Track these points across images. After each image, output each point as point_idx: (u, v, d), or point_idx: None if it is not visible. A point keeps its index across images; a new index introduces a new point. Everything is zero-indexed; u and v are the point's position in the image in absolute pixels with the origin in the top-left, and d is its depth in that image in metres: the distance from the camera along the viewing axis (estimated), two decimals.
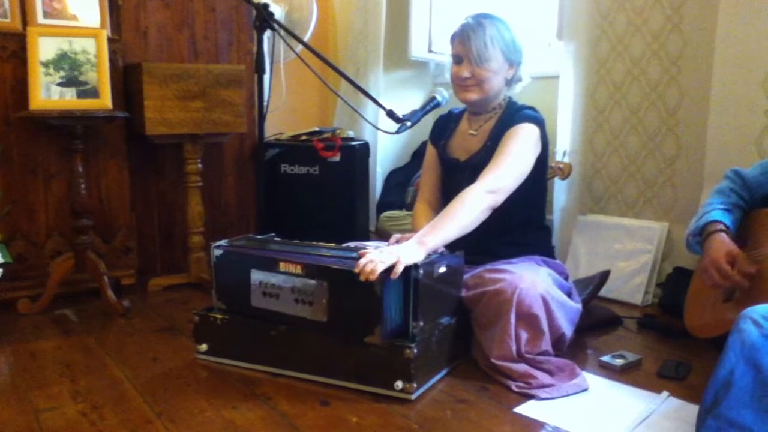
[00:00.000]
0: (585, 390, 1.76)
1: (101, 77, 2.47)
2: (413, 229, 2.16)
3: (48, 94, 2.39)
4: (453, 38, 2.08)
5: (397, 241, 1.93)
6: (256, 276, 1.88)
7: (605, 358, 1.95)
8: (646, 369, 1.93)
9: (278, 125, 3.48)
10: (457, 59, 2.06)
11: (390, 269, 1.67)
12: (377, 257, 1.68)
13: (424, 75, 3.88)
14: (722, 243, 1.72)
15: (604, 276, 2.38)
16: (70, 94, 2.43)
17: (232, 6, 3.09)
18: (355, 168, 3.24)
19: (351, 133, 3.40)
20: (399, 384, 1.69)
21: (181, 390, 1.78)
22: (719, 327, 1.79)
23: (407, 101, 3.63)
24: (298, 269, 1.81)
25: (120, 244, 2.79)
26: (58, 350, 2.09)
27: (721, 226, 1.77)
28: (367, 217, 3.47)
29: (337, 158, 3.17)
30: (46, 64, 2.40)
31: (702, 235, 1.80)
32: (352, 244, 2.06)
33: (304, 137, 3.26)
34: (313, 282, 1.78)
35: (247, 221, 3.26)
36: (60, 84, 2.41)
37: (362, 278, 1.65)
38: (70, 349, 2.10)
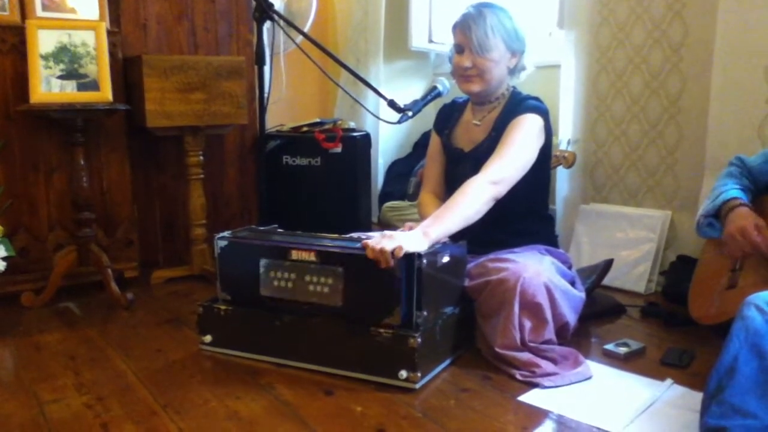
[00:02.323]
0: (589, 378, 1.76)
1: (101, 70, 2.46)
2: (421, 219, 2.16)
3: (48, 87, 2.39)
4: (454, 28, 2.07)
5: (410, 229, 1.93)
6: (266, 265, 1.88)
7: (609, 347, 1.95)
8: (650, 357, 1.93)
9: (279, 117, 3.47)
10: (459, 49, 2.06)
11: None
12: (381, 242, 1.68)
13: (425, 65, 3.86)
14: (749, 214, 1.74)
15: (608, 265, 2.38)
16: (70, 87, 2.42)
17: None
18: (356, 159, 3.24)
19: (352, 124, 3.39)
20: (403, 373, 1.69)
21: (185, 381, 1.79)
22: (723, 314, 1.80)
23: (408, 92, 3.62)
24: (312, 256, 1.81)
25: (122, 237, 2.79)
26: (62, 343, 2.10)
27: (743, 201, 1.79)
28: (369, 207, 3.47)
29: (338, 149, 3.16)
30: (45, 57, 2.39)
31: (722, 211, 1.81)
32: (354, 235, 2.06)
33: (305, 128, 3.25)
34: (328, 268, 1.79)
35: (249, 213, 3.25)
36: (60, 77, 2.40)
37: (383, 266, 1.67)
38: (74, 342, 2.10)
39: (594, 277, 2.32)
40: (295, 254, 1.84)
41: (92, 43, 2.46)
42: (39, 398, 1.69)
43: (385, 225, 3.21)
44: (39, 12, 2.50)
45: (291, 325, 1.85)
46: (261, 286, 1.90)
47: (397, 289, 1.71)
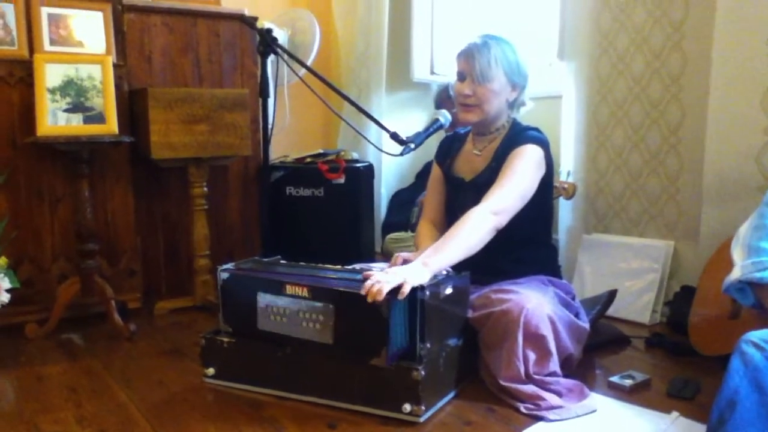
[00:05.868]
0: (594, 411, 1.75)
1: (107, 102, 2.49)
2: (416, 248, 2.16)
3: (55, 120, 2.41)
4: (459, 56, 2.10)
5: (404, 261, 1.92)
6: (263, 298, 1.88)
7: (614, 379, 1.94)
8: (655, 388, 1.92)
9: (283, 148, 3.50)
10: (461, 76, 2.09)
11: (396, 290, 1.66)
12: (383, 278, 1.68)
13: (426, 96, 3.90)
14: None
15: (612, 295, 2.38)
16: (76, 119, 2.45)
17: (235, 30, 3.12)
18: (359, 190, 3.25)
19: (355, 155, 3.41)
20: (407, 407, 1.68)
21: (187, 413, 1.78)
22: (728, 345, 1.78)
23: (409, 123, 3.64)
24: (305, 292, 1.81)
25: (125, 267, 2.79)
26: (64, 374, 2.09)
27: None
28: (373, 238, 3.47)
29: (341, 180, 3.18)
30: (52, 91, 2.42)
31: (766, 292, 1.62)
32: (357, 266, 2.06)
33: (308, 159, 3.28)
34: (319, 304, 1.78)
35: (252, 243, 3.26)
36: (66, 110, 2.43)
37: (369, 299, 1.65)
38: (76, 373, 2.10)
39: (598, 307, 2.31)
40: (289, 289, 1.84)
41: (99, 77, 2.50)
42: (40, 430, 1.69)
43: (389, 255, 3.21)
44: (47, 46, 2.54)
45: (293, 357, 1.84)
46: (258, 319, 1.89)
47: (385, 329, 1.68)
